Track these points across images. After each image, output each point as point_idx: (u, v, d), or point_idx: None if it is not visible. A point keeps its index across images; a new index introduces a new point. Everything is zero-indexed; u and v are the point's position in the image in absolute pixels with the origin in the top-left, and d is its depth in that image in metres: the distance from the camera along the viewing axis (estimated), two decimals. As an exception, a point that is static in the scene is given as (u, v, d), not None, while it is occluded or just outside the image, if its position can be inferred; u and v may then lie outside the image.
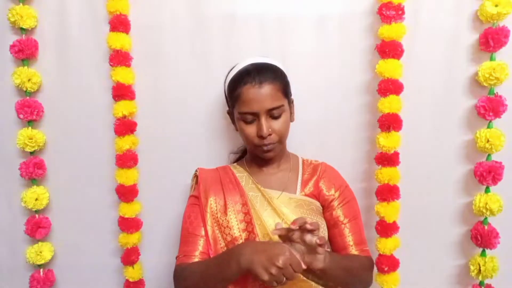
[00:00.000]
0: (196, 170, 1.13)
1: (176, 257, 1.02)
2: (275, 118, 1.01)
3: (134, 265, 1.34)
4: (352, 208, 1.09)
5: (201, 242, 1.01)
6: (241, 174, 1.10)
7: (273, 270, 0.78)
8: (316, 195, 1.08)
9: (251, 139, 1.02)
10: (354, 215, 1.08)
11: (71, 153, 1.36)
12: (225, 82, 1.10)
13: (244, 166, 1.13)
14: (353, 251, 1.04)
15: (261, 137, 0.99)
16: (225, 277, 0.88)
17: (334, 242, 1.07)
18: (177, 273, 0.99)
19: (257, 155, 1.06)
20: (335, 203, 1.07)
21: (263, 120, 0.99)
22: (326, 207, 1.08)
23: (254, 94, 0.98)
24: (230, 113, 1.11)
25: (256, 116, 0.99)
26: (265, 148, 1.01)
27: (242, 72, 1.02)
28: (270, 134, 1.00)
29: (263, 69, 1.01)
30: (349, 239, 1.05)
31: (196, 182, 1.10)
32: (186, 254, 1.00)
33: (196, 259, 0.99)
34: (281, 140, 1.04)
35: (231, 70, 1.09)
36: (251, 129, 1.01)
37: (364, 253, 1.06)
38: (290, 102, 1.07)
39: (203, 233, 1.02)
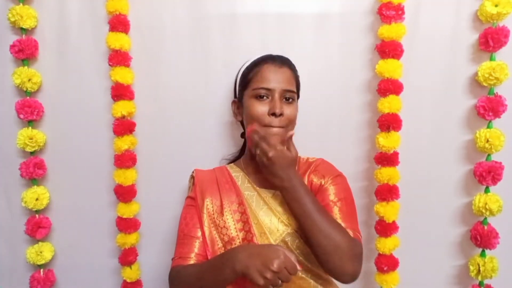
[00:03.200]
0: (193, 171, 1.13)
1: (172, 259, 1.01)
2: (287, 102, 1.02)
3: (132, 266, 1.34)
4: (344, 191, 1.02)
5: (197, 244, 1.00)
6: (237, 173, 1.10)
7: (268, 275, 0.77)
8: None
9: (261, 118, 1.00)
10: (346, 197, 1.01)
11: (71, 153, 1.36)
12: (238, 72, 1.12)
13: (240, 166, 1.12)
14: None
15: (274, 114, 0.99)
16: (221, 281, 0.86)
17: None
18: (172, 275, 0.98)
19: None
20: (326, 185, 1.02)
21: (277, 99, 1.00)
22: (316, 195, 1.01)
23: (274, 72, 1.02)
24: (236, 102, 1.11)
25: (270, 94, 1.01)
26: (273, 130, 0.99)
27: (264, 55, 1.07)
28: (281, 115, 0.99)
29: (285, 57, 1.08)
30: (337, 216, 0.96)
31: (193, 183, 1.10)
32: (182, 256, 0.99)
33: (192, 261, 0.97)
34: (288, 127, 1.02)
35: (246, 62, 1.11)
36: (263, 107, 1.00)
37: (355, 236, 0.94)
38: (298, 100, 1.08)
39: (199, 234, 1.01)
